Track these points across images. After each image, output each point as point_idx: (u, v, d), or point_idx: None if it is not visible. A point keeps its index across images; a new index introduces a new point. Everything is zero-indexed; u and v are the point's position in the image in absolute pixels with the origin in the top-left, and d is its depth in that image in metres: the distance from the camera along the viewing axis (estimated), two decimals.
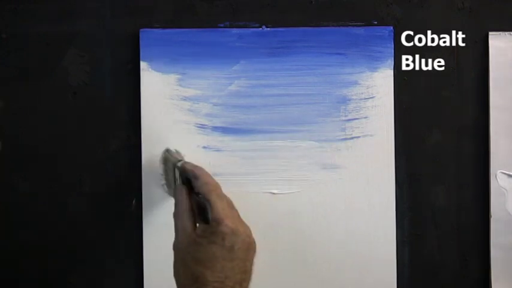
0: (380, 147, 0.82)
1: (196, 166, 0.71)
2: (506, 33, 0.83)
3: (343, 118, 0.82)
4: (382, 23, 0.83)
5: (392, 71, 0.82)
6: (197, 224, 0.67)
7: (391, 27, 0.82)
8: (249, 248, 0.65)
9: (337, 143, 0.82)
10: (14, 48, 0.82)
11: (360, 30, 0.82)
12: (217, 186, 0.68)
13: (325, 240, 0.83)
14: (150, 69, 0.81)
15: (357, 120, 0.83)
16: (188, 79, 0.82)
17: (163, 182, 0.78)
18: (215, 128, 0.82)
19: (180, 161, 0.75)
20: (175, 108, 0.82)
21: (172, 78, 0.82)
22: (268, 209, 0.82)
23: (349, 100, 0.82)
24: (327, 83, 0.82)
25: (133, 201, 0.82)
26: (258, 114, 0.82)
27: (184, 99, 0.82)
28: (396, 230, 0.82)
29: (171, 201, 0.81)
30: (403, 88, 0.83)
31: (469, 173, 0.83)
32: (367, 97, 0.82)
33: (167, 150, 0.78)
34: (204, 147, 0.82)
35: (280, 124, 0.82)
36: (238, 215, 0.66)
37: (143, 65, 0.81)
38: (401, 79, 0.83)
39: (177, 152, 0.78)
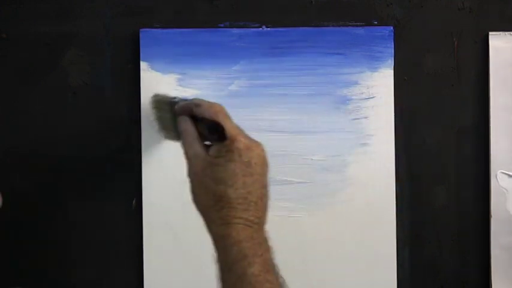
0: (380, 147, 0.82)
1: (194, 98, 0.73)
2: (506, 33, 0.83)
3: (344, 118, 0.82)
4: (382, 23, 0.83)
5: (392, 71, 0.82)
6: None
7: (391, 27, 0.82)
8: (264, 162, 0.65)
9: (337, 143, 0.82)
10: (14, 48, 0.82)
11: (360, 30, 0.82)
12: (222, 107, 0.68)
13: (325, 240, 0.82)
14: (150, 69, 0.81)
15: (357, 120, 0.83)
16: (188, 79, 0.82)
17: (160, 126, 0.77)
18: None
19: (175, 98, 0.75)
20: None
21: (172, 78, 0.82)
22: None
23: (349, 100, 0.82)
24: (327, 83, 0.82)
25: (134, 201, 0.82)
26: (258, 114, 0.82)
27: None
28: (396, 230, 0.82)
29: (171, 201, 0.82)
30: (403, 88, 0.83)
31: (469, 173, 0.83)
32: (367, 97, 0.82)
33: (156, 95, 0.78)
34: None
35: (280, 124, 0.82)
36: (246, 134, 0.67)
37: (143, 65, 0.81)
38: (401, 79, 0.83)
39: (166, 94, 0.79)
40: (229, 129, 0.65)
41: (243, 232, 0.62)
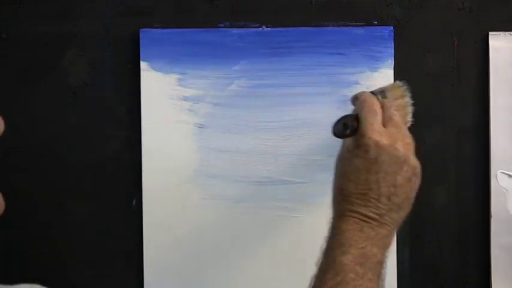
0: None
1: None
2: (506, 33, 0.83)
3: None
4: (382, 23, 0.83)
5: (392, 71, 0.82)
6: None
7: (391, 27, 0.82)
8: (397, 161, 0.64)
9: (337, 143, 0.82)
10: (14, 48, 0.82)
11: (360, 30, 0.82)
12: (372, 103, 0.67)
13: None
14: (150, 69, 0.81)
15: None
16: (188, 79, 0.82)
17: None
18: (215, 128, 0.82)
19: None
20: (175, 108, 0.82)
21: (172, 78, 0.82)
22: (268, 208, 0.82)
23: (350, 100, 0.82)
24: (327, 83, 0.82)
25: (134, 201, 0.82)
26: (258, 114, 0.82)
27: (184, 99, 0.82)
28: (396, 230, 0.82)
29: (171, 201, 0.82)
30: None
31: (469, 173, 0.83)
32: None
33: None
34: (204, 147, 0.82)
35: (281, 124, 0.82)
36: (396, 131, 0.65)
37: (143, 65, 0.81)
38: (402, 79, 0.83)
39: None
40: (363, 124, 0.64)
41: (353, 225, 0.62)
